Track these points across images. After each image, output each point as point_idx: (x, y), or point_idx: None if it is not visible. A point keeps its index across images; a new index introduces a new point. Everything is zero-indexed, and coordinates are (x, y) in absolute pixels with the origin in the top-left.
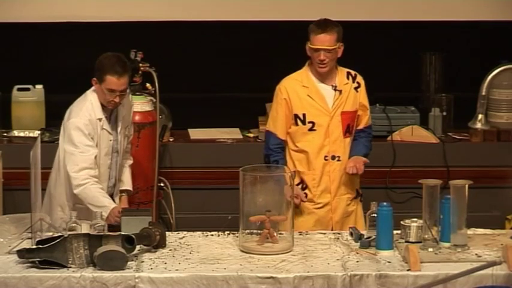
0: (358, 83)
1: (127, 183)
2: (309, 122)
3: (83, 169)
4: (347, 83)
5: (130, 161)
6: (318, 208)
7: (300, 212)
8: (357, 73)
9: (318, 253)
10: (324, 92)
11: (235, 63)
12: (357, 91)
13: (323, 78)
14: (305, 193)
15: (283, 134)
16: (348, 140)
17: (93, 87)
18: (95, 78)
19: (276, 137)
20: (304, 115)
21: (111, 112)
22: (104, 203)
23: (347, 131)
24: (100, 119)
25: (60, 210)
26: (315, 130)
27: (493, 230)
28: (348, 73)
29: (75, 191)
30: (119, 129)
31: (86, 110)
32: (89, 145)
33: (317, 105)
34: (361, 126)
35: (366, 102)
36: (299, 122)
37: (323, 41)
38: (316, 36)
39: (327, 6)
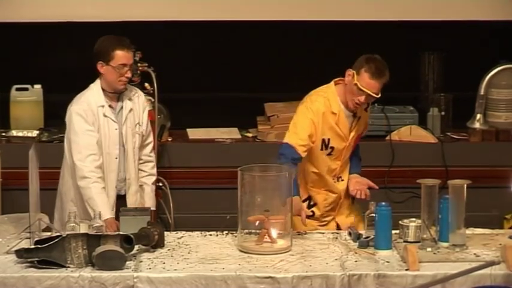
0: (367, 103)
1: (148, 204)
2: (330, 147)
3: (87, 156)
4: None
5: (153, 177)
6: (323, 225)
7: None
8: None
9: (316, 253)
10: (347, 119)
11: (234, 63)
12: (366, 111)
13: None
14: (312, 211)
15: (302, 151)
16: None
17: (94, 82)
18: (100, 62)
19: (297, 152)
20: (328, 140)
21: (117, 101)
22: (99, 209)
23: (352, 151)
24: (102, 106)
25: (73, 205)
26: (332, 155)
27: (491, 229)
28: None
29: (78, 183)
30: (123, 120)
31: (85, 97)
32: (90, 129)
33: (341, 133)
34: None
35: (368, 118)
36: (323, 147)
37: (374, 88)
38: (371, 80)
39: (327, 7)
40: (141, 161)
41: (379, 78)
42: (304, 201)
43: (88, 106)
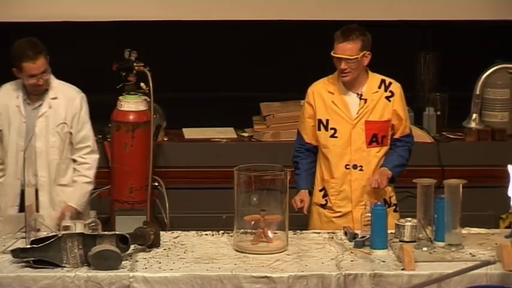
0: (391, 91)
1: (69, 198)
2: (331, 129)
3: None
4: (376, 92)
5: (85, 178)
6: (337, 217)
7: (319, 219)
8: (393, 81)
9: (312, 252)
10: (349, 99)
11: (230, 63)
12: (389, 100)
13: (349, 85)
14: (325, 200)
15: (307, 137)
16: (375, 150)
17: None
18: (14, 69)
19: (301, 137)
20: (327, 121)
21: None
22: None
23: (372, 140)
24: (17, 97)
25: None
26: (336, 137)
27: (487, 229)
28: (382, 81)
29: None
30: (38, 116)
31: (10, 83)
32: None
33: (340, 112)
34: (397, 136)
35: (401, 111)
36: (322, 128)
37: (344, 50)
38: (338, 44)
39: (325, 6)
40: (76, 163)
41: (346, 38)
42: (320, 190)
43: (5, 95)
